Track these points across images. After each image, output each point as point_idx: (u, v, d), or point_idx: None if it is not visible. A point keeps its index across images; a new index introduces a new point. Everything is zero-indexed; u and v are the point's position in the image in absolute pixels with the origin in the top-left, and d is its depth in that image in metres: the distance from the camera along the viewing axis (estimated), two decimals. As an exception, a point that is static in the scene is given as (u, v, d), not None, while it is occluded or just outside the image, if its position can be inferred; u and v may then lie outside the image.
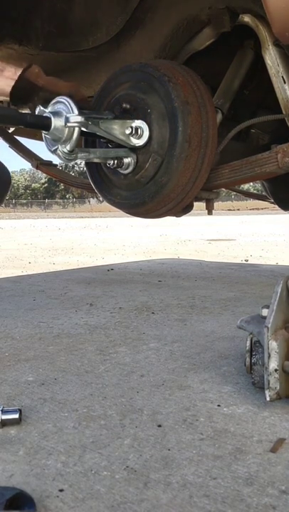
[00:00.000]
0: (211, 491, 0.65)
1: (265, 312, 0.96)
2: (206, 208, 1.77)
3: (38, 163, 2.28)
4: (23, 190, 62.12)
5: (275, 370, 0.88)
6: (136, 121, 1.40)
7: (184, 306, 1.85)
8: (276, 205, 2.72)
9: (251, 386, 0.99)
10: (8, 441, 0.79)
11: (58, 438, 0.80)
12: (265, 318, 0.92)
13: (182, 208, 1.61)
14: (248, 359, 1.00)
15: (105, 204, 1.65)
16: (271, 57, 1.44)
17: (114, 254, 4.34)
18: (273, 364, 0.88)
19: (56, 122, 1.28)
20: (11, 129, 2.40)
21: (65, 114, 1.28)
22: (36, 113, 1.33)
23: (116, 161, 1.44)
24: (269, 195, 2.62)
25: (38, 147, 2.01)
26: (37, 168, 2.30)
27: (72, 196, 55.27)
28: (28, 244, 5.62)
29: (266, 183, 2.58)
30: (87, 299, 2.03)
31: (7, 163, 2.03)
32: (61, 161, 1.40)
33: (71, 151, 1.31)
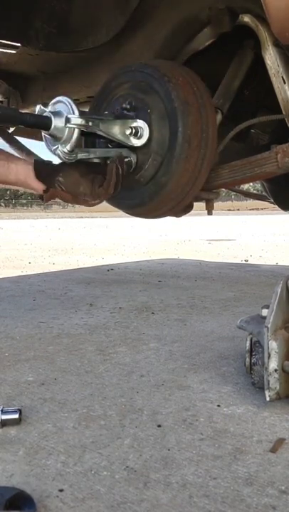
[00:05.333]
0: (211, 491, 0.65)
1: (265, 312, 0.96)
2: (206, 208, 1.77)
3: (38, 163, 2.27)
4: (23, 190, 62.12)
5: (275, 370, 0.88)
6: (136, 121, 1.40)
7: (183, 306, 1.85)
8: (276, 205, 2.72)
9: (251, 386, 0.99)
10: (8, 441, 0.79)
11: (57, 438, 0.80)
12: (265, 318, 0.92)
13: (182, 208, 1.61)
14: (247, 359, 1.00)
15: (105, 204, 1.65)
16: (271, 58, 1.44)
17: (114, 254, 4.34)
18: (273, 364, 0.88)
19: (56, 122, 1.28)
20: (11, 129, 2.40)
21: (66, 115, 1.28)
22: (36, 112, 1.33)
23: (116, 161, 1.44)
24: (269, 195, 2.62)
25: (38, 147, 2.01)
26: (37, 168, 2.30)
27: (73, 196, 55.01)
28: (28, 244, 5.62)
29: (266, 183, 2.57)
30: (87, 299, 2.03)
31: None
32: (61, 161, 1.41)
33: (71, 151, 1.31)
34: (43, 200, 1.39)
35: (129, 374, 1.10)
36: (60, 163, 1.38)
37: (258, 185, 3.65)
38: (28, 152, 2.37)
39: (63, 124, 1.28)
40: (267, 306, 0.94)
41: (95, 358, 1.21)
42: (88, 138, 1.46)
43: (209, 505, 0.62)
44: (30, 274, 2.96)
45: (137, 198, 1.52)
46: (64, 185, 1.35)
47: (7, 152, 1.41)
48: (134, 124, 1.40)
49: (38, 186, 1.36)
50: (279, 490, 0.65)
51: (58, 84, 2.11)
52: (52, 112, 1.30)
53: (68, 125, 1.28)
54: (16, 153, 1.42)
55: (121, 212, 1.74)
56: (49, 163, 1.42)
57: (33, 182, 1.36)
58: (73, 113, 1.28)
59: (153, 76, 1.44)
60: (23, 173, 1.36)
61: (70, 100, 1.30)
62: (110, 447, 0.77)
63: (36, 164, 1.38)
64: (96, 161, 1.40)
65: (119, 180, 1.33)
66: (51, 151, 1.36)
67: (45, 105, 1.33)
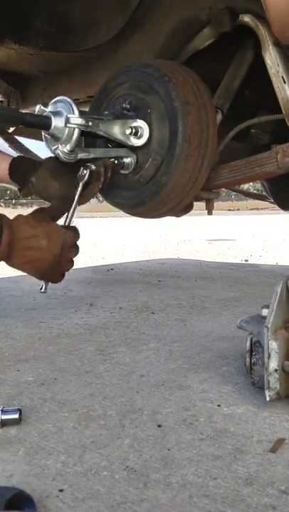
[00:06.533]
0: (211, 491, 0.65)
1: (265, 312, 0.96)
2: (206, 208, 1.77)
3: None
4: (23, 190, 62.01)
5: (275, 370, 0.88)
6: (136, 121, 1.40)
7: (183, 306, 1.85)
8: (276, 205, 2.72)
9: (251, 386, 0.99)
10: (8, 441, 0.79)
11: (57, 438, 0.80)
12: (265, 318, 0.92)
13: (182, 208, 1.61)
14: (248, 359, 1.00)
15: (105, 204, 1.65)
16: (271, 57, 1.44)
17: (114, 254, 4.34)
18: (273, 364, 0.88)
19: (56, 122, 1.28)
20: (11, 129, 2.40)
21: (66, 114, 1.28)
22: (36, 112, 1.34)
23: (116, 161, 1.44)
24: (269, 195, 2.62)
25: (38, 147, 2.00)
26: (37, 168, 2.30)
27: (72, 196, 55.00)
28: (28, 244, 5.61)
29: (266, 183, 2.58)
30: (87, 298, 2.03)
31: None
32: (37, 162, 1.42)
33: (71, 151, 1.31)
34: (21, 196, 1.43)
35: (129, 374, 1.10)
36: (35, 163, 1.39)
37: (258, 185, 3.65)
38: (26, 152, 2.37)
39: (63, 124, 1.28)
40: (267, 306, 0.94)
41: (95, 358, 1.21)
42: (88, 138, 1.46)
43: (209, 505, 0.62)
44: (30, 274, 2.95)
45: (137, 198, 1.52)
46: (35, 187, 1.36)
47: None
48: (134, 124, 1.40)
49: (14, 184, 1.41)
50: (279, 490, 0.65)
51: (58, 84, 2.12)
52: (52, 112, 1.31)
53: (68, 125, 1.28)
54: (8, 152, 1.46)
55: (121, 212, 1.74)
56: (29, 160, 1.43)
57: (9, 179, 1.41)
58: (73, 113, 1.28)
59: (153, 76, 1.45)
60: (3, 169, 1.40)
61: (70, 100, 1.30)
62: (110, 447, 0.77)
63: (13, 161, 1.40)
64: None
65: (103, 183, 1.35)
66: (51, 151, 1.36)
67: (45, 105, 1.33)
